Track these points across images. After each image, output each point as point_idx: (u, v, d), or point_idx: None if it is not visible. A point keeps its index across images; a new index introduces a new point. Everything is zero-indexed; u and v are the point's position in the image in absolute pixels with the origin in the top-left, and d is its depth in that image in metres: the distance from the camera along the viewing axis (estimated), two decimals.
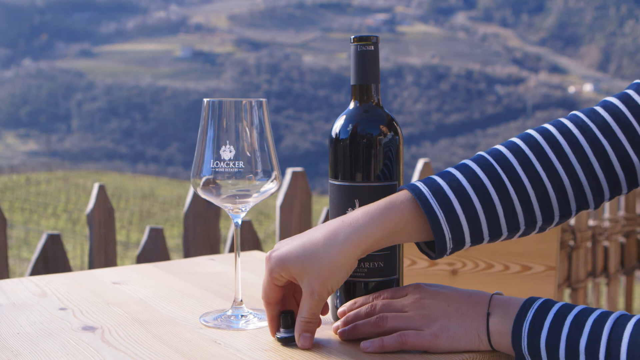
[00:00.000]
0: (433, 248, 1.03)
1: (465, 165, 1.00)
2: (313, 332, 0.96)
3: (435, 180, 0.98)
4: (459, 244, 0.98)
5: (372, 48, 1.05)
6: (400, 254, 1.08)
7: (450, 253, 1.00)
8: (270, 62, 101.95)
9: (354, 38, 1.05)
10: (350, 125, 1.06)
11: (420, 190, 0.97)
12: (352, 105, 1.08)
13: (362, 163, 1.05)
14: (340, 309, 1.04)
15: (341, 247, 0.94)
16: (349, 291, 1.07)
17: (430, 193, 0.97)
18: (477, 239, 0.99)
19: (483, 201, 0.98)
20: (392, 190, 1.06)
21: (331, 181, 1.07)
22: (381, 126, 1.06)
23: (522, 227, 1.01)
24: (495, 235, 1.00)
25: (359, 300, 1.03)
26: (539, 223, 1.01)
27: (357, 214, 0.97)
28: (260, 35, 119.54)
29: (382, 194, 1.04)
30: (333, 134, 1.07)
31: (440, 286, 1.02)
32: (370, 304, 1.01)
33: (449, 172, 1.00)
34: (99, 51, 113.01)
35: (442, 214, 0.96)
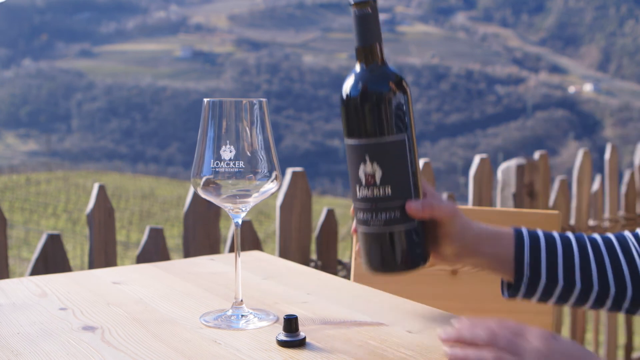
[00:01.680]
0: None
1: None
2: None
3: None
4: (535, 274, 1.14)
5: (370, 11, 1.08)
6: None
7: (530, 273, 1.15)
8: (270, 62, 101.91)
9: (353, 3, 1.08)
10: (358, 85, 1.08)
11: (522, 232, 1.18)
12: (357, 67, 1.10)
13: (372, 120, 1.08)
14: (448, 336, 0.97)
15: None
16: (369, 242, 1.10)
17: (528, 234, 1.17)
18: (552, 275, 1.14)
19: (565, 247, 1.16)
20: (400, 145, 1.08)
21: (345, 140, 1.11)
22: (390, 83, 1.08)
23: (596, 287, 1.15)
24: (568, 280, 1.15)
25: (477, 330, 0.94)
26: (612, 291, 1.16)
27: None
28: (260, 35, 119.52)
29: (392, 149, 1.08)
30: (343, 94, 1.09)
31: (571, 345, 0.94)
32: (491, 332, 0.93)
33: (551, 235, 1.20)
34: (99, 51, 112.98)
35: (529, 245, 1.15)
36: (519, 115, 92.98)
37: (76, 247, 18.53)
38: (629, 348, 3.42)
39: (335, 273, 2.43)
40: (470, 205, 2.71)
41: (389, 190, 1.09)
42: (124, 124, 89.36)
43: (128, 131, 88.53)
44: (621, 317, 3.55)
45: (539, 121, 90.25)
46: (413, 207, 1.08)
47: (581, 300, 1.18)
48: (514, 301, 1.55)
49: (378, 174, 1.09)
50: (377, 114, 1.08)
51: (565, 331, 3.21)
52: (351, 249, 1.69)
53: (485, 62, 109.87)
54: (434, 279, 1.60)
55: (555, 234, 1.18)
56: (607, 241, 1.20)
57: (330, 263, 2.43)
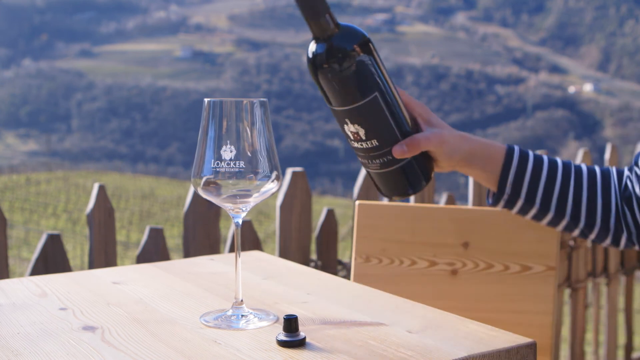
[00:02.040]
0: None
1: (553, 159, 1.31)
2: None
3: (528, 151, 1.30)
4: (516, 189, 1.25)
5: None
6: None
7: (511, 192, 1.26)
8: (270, 62, 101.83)
9: None
10: (318, 63, 1.12)
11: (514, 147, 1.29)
12: (312, 44, 1.13)
13: (339, 92, 1.11)
14: None
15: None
16: (373, 178, 1.21)
17: (519, 150, 1.27)
18: (530, 197, 1.26)
19: (550, 174, 1.25)
20: (374, 104, 1.12)
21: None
22: (346, 52, 1.10)
23: (567, 217, 1.26)
24: (544, 206, 1.26)
25: None
26: (581, 224, 1.27)
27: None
28: (260, 35, 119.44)
29: (367, 110, 1.12)
30: (309, 70, 1.13)
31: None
32: None
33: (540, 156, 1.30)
34: (99, 51, 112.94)
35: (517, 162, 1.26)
36: (519, 115, 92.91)
37: (76, 247, 18.53)
38: (629, 348, 3.42)
39: (335, 273, 2.43)
40: (470, 205, 2.71)
41: (376, 142, 1.14)
42: (124, 124, 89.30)
43: (128, 131, 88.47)
44: (621, 317, 3.55)
45: (539, 121, 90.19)
46: (398, 151, 1.16)
47: (552, 224, 1.30)
48: (514, 301, 1.55)
49: (362, 132, 1.14)
50: (342, 86, 1.10)
51: (565, 331, 3.21)
52: (351, 249, 1.69)
53: (485, 62, 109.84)
54: (434, 279, 1.60)
55: (545, 160, 1.27)
56: (591, 174, 1.29)
57: (330, 263, 2.43)
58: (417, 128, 1.21)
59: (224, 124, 1.02)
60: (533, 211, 1.27)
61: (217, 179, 1.03)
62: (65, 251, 2.04)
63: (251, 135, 1.03)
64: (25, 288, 1.25)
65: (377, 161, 1.16)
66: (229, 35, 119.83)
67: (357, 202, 1.66)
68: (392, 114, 1.14)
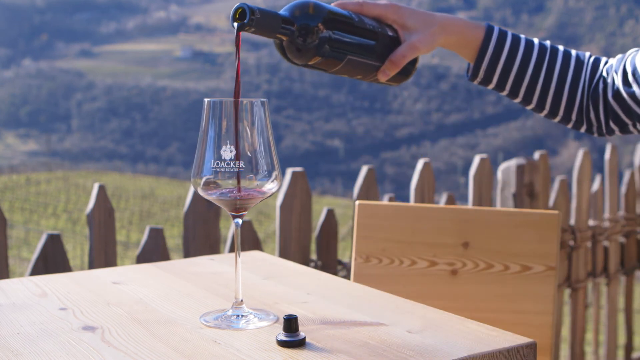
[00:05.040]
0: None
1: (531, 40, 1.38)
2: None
3: (507, 31, 1.37)
4: (493, 64, 1.34)
5: (256, 19, 1.10)
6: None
7: (484, 76, 1.36)
8: (270, 62, 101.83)
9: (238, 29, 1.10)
10: (295, 60, 1.19)
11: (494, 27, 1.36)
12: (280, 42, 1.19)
13: (319, 67, 1.21)
14: None
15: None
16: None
17: (498, 30, 1.35)
18: (501, 84, 1.36)
19: (521, 67, 1.34)
20: (350, 62, 1.21)
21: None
22: (314, 49, 1.17)
23: (533, 104, 1.37)
24: (513, 93, 1.36)
25: None
26: (546, 111, 1.37)
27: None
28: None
29: (345, 68, 1.22)
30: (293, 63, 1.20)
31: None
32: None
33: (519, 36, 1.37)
34: (99, 51, 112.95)
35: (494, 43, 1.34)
36: (519, 115, 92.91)
37: (76, 247, 18.53)
38: (629, 348, 3.42)
39: (335, 273, 2.43)
40: (470, 205, 2.71)
41: (360, 77, 1.28)
42: (124, 124, 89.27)
43: (128, 131, 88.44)
44: (621, 317, 3.55)
45: (539, 121, 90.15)
46: (383, 76, 1.27)
47: (522, 105, 1.42)
48: (514, 301, 1.55)
49: (348, 76, 1.27)
50: (320, 65, 1.20)
51: (565, 331, 3.21)
52: (351, 249, 1.69)
53: None
54: (434, 279, 1.60)
55: (521, 48, 1.35)
56: (563, 69, 1.36)
57: (330, 263, 2.43)
58: (395, 40, 1.29)
59: (224, 124, 1.02)
60: (504, 93, 1.38)
61: (217, 179, 1.03)
62: (65, 251, 2.04)
63: (251, 136, 1.03)
64: (25, 288, 1.25)
65: (367, 80, 1.29)
66: (229, 35, 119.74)
67: (357, 202, 1.66)
68: (368, 56, 1.23)
